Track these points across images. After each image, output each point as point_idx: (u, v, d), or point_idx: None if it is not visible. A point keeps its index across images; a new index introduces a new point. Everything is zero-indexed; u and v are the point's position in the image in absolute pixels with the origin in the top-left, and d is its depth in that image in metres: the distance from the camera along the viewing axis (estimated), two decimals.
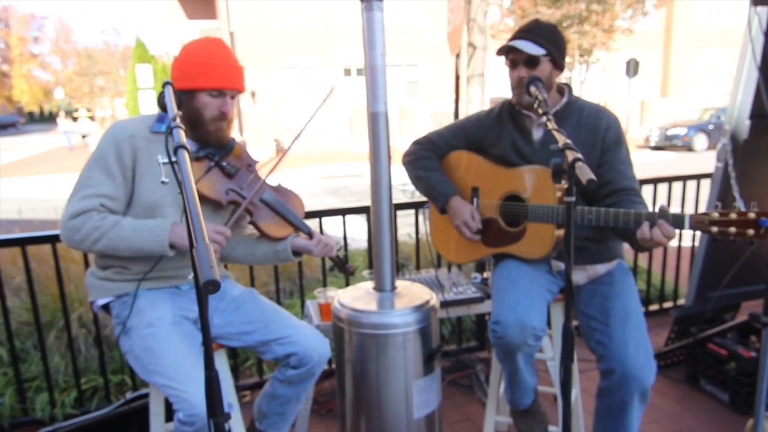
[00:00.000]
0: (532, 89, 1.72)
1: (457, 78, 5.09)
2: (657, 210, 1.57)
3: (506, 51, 1.89)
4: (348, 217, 2.90)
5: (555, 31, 1.88)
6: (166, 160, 1.53)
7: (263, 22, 20.19)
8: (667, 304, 3.73)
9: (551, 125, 1.45)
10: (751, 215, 1.45)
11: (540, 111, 1.60)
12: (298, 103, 20.92)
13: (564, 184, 1.25)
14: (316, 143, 19.72)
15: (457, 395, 2.85)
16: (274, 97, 20.54)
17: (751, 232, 1.45)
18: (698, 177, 3.57)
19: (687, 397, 2.75)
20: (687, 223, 1.52)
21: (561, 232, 1.82)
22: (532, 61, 1.86)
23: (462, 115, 6.33)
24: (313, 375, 1.90)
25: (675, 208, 3.47)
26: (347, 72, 21.70)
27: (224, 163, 1.84)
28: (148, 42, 20.21)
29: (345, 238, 2.90)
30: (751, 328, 2.79)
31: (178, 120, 1.10)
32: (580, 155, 1.22)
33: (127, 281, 1.77)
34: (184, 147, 0.98)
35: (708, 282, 3.20)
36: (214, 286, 0.73)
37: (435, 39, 20.02)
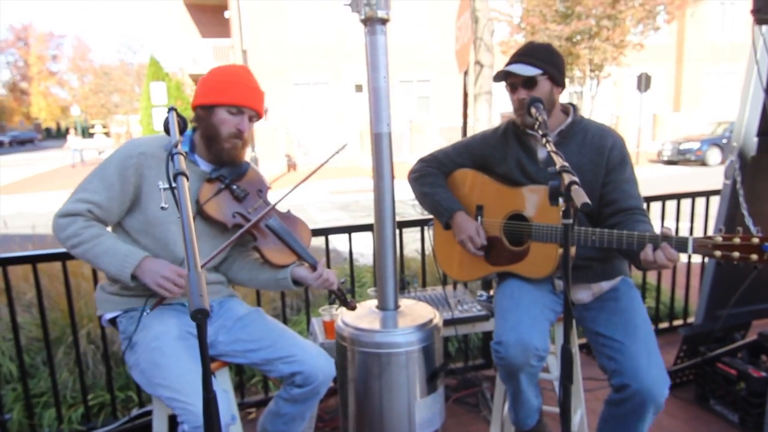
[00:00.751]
0: (533, 110, 1.74)
1: (465, 95, 5.13)
2: (660, 232, 1.57)
3: (502, 77, 1.93)
4: (358, 233, 2.91)
5: (549, 50, 1.92)
6: (167, 186, 1.58)
7: (276, 40, 20.46)
8: (677, 322, 3.69)
9: (550, 147, 1.46)
10: (755, 240, 1.44)
11: (540, 132, 1.61)
12: (309, 119, 21.10)
13: (561, 205, 1.25)
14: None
15: (462, 414, 2.83)
16: (285, 114, 20.73)
17: (754, 257, 1.44)
18: (707, 194, 3.55)
19: (696, 417, 2.71)
20: (690, 246, 1.51)
21: None
22: (529, 82, 1.88)
23: (470, 132, 6.36)
24: (318, 394, 1.91)
25: (684, 224, 3.48)
26: (359, 88, 21.86)
27: (234, 186, 1.87)
28: (162, 60, 20.52)
29: (351, 255, 2.92)
30: (762, 347, 2.75)
31: (179, 146, 1.12)
32: (576, 178, 1.23)
33: (135, 296, 1.81)
34: (183, 174, 1.00)
35: (717, 300, 3.17)
36: (203, 314, 0.74)
37: (446, 55, 20.14)
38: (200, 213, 1.83)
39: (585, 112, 19.13)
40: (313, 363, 1.87)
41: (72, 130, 26.97)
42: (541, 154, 1.96)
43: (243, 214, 1.88)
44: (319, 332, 2.51)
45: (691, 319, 3.65)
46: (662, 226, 3.11)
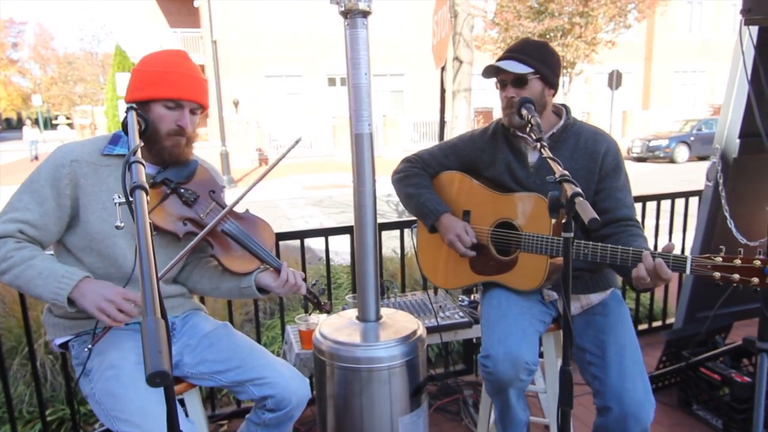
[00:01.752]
0: (524, 112, 1.64)
1: (443, 91, 5.05)
2: (662, 248, 1.48)
3: (492, 72, 1.82)
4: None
5: (544, 49, 1.81)
6: (122, 200, 1.39)
7: (247, 31, 20.07)
8: (657, 324, 3.67)
9: (546, 153, 1.37)
10: (757, 263, 1.36)
11: (533, 136, 1.51)
12: (282, 112, 20.79)
13: (562, 218, 1.16)
14: (300, 154, 19.59)
15: (444, 422, 2.74)
16: (257, 107, 20.38)
17: (755, 280, 1.37)
18: (686, 194, 3.53)
19: (680, 423, 2.67)
20: (688, 266, 1.43)
21: (555, 261, 1.73)
22: (519, 81, 1.78)
23: (448, 129, 6.30)
24: (291, 418, 1.77)
25: (663, 221, 3.45)
26: (332, 82, 21.64)
27: (182, 190, 1.69)
28: (129, 50, 19.87)
29: (327, 260, 2.79)
30: (744, 351, 2.73)
31: (138, 154, 0.97)
32: (579, 189, 1.13)
33: (86, 318, 1.61)
34: (142, 188, 0.86)
35: (698, 302, 3.15)
36: (162, 378, 0.59)
37: (421, 48, 20.07)
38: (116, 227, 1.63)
39: None
40: (285, 386, 1.71)
41: (28, 121, 25.79)
42: (532, 158, 1.86)
43: (195, 219, 1.70)
44: (295, 342, 2.38)
45: (670, 320, 3.64)
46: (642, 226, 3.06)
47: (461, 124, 5.12)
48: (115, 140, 1.65)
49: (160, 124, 1.62)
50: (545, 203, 1.71)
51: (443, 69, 4.75)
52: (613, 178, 1.79)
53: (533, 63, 1.76)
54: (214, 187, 1.78)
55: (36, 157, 22.62)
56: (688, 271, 1.42)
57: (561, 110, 1.90)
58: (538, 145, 1.44)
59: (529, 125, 1.57)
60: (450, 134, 5.31)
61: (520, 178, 1.86)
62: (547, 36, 15.83)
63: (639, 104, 25.43)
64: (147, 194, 0.86)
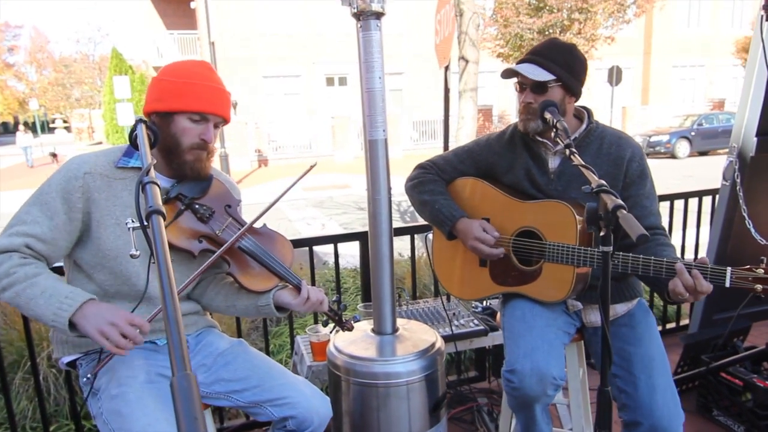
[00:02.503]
0: (547, 116, 1.56)
1: (447, 90, 4.96)
2: (696, 260, 1.41)
3: (511, 74, 1.73)
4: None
5: (570, 54, 1.71)
6: (136, 224, 1.26)
7: (244, 31, 19.95)
8: (671, 325, 3.61)
9: (577, 160, 1.29)
10: None
11: (560, 141, 1.44)
12: (280, 113, 20.69)
13: (600, 231, 1.08)
14: (299, 154, 19.50)
15: None
16: (255, 107, 20.28)
17: None
18: (700, 194, 3.46)
19: (700, 429, 2.60)
20: (728, 279, 1.35)
21: (582, 270, 1.65)
22: (539, 87, 1.69)
23: (454, 130, 6.21)
24: None
25: (677, 220, 3.38)
26: (330, 81, 21.53)
27: (197, 205, 1.60)
28: (125, 52, 19.77)
29: (337, 268, 2.72)
30: (764, 354, 2.66)
31: (152, 173, 0.89)
32: (621, 201, 1.06)
33: None
34: (159, 213, 0.78)
35: (714, 304, 3.08)
36: None
37: (420, 47, 19.98)
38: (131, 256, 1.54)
39: None
40: (307, 406, 1.63)
41: (21, 126, 25.46)
42: (553, 164, 1.78)
43: (210, 236, 1.61)
44: (306, 353, 2.31)
45: (684, 322, 3.57)
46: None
47: (468, 124, 5.03)
48: (129, 152, 1.57)
49: (183, 137, 1.55)
50: (570, 211, 1.64)
51: (447, 68, 4.65)
52: (639, 185, 1.72)
53: (556, 69, 1.67)
54: (230, 201, 1.70)
55: (29, 163, 22.25)
56: (727, 283, 1.35)
57: (583, 113, 1.81)
58: (567, 151, 1.36)
59: (555, 130, 1.50)
60: (457, 135, 5.23)
61: (540, 184, 1.78)
62: (546, 32, 15.77)
63: (638, 100, 25.36)
64: (165, 219, 0.78)
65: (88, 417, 2.60)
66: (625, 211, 1.04)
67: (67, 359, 1.61)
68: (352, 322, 1.88)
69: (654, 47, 25.00)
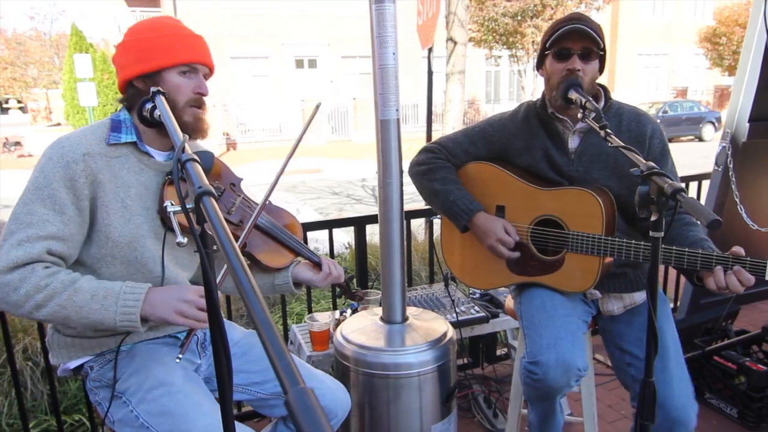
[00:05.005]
0: (573, 95, 1.49)
1: (430, 73, 4.88)
2: (731, 252, 1.36)
3: (567, 35, 1.59)
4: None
5: (601, 27, 1.64)
6: (177, 208, 1.08)
7: (210, 10, 19.36)
8: None
9: (616, 141, 1.23)
10: None
11: (590, 122, 1.37)
12: (248, 95, 20.24)
13: (652, 215, 1.03)
14: (268, 138, 19.16)
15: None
16: (223, 89, 19.78)
17: None
18: (687, 179, 3.48)
19: None
20: None
21: (607, 261, 1.60)
22: (587, 54, 1.60)
23: (441, 113, 6.11)
24: None
25: None
26: (299, 63, 21.15)
27: None
28: (85, 30, 18.91)
29: (332, 251, 2.63)
30: (754, 338, 2.70)
31: (188, 149, 0.78)
32: (682, 185, 1.00)
33: (110, 335, 1.40)
34: (210, 194, 0.68)
35: (702, 288, 3.12)
36: None
37: (399, 30, 19.74)
38: (170, 228, 1.41)
39: (527, 91, 19.39)
40: (333, 398, 1.54)
41: None
42: (572, 143, 1.70)
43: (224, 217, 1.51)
44: (304, 344, 2.23)
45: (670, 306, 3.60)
46: None
47: (455, 107, 4.96)
48: (117, 127, 1.41)
49: (178, 95, 1.40)
50: (596, 200, 1.57)
51: (430, 50, 4.56)
52: (662, 163, 1.66)
53: (601, 37, 1.60)
54: (234, 179, 1.61)
55: None
56: None
57: (599, 92, 1.74)
58: (603, 133, 1.30)
59: (583, 109, 1.43)
60: (444, 118, 5.15)
61: (560, 165, 1.70)
62: (519, 17, 15.79)
63: None
64: (217, 200, 0.69)
65: (68, 411, 2.48)
66: (685, 194, 0.98)
67: (73, 364, 1.44)
68: (359, 292, 1.85)
69: (620, 35, 25.39)
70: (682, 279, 3.43)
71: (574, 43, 1.59)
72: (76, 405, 2.52)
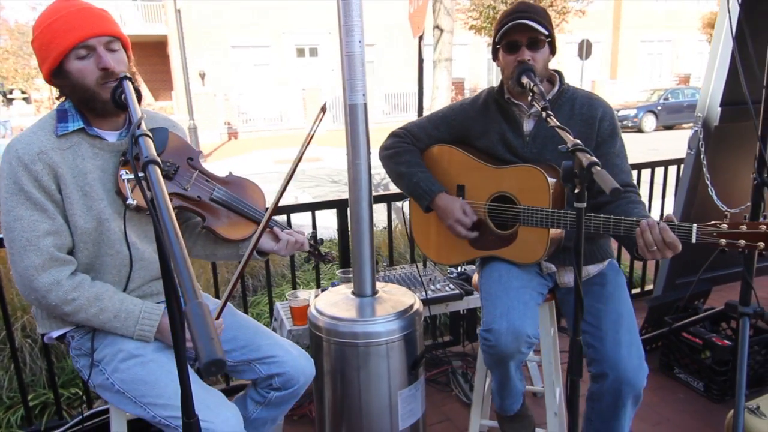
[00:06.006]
0: (524, 80, 1.60)
1: (421, 61, 4.96)
2: (663, 218, 1.48)
3: (512, 29, 1.70)
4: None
5: (548, 14, 1.75)
6: (131, 176, 1.21)
7: None
8: (636, 291, 3.75)
9: (553, 122, 1.34)
10: (763, 227, 1.37)
11: (537, 104, 1.48)
12: (249, 84, 20.31)
13: (576, 188, 1.14)
14: (270, 127, 19.25)
15: (434, 393, 2.76)
16: (224, 78, 19.86)
17: (761, 245, 1.38)
18: (666, 163, 3.57)
19: (662, 386, 2.75)
20: (694, 235, 1.43)
21: (555, 233, 1.72)
22: (534, 43, 1.70)
23: (428, 100, 6.23)
24: (295, 397, 1.73)
25: (643, 192, 3.49)
26: (300, 52, 21.18)
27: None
28: None
29: (315, 234, 2.74)
30: (724, 315, 2.81)
31: (143, 125, 0.90)
32: (595, 159, 1.11)
33: None
34: (155, 162, 0.79)
35: (678, 269, 3.22)
36: (218, 366, 0.55)
37: (393, 19, 19.75)
38: (127, 206, 1.48)
39: None
40: (294, 364, 1.67)
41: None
42: (527, 126, 1.82)
43: (180, 193, 1.58)
44: (286, 319, 2.35)
45: (649, 287, 3.72)
46: None
47: (442, 94, 5.05)
48: (62, 117, 1.46)
49: (85, 79, 1.40)
50: (542, 175, 1.69)
51: (421, 38, 4.64)
52: (610, 144, 1.77)
53: (546, 25, 1.70)
54: (191, 153, 1.64)
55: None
56: (693, 239, 1.43)
57: (554, 76, 1.85)
58: (543, 114, 1.40)
59: (531, 93, 1.54)
60: (431, 105, 5.24)
61: (515, 147, 1.82)
62: None
63: (607, 74, 25.69)
64: (161, 169, 0.80)
65: (66, 385, 2.62)
66: (599, 168, 1.09)
67: (55, 333, 1.56)
68: (332, 285, 1.91)
69: (623, 21, 25.26)
70: (663, 261, 3.53)
71: (521, 35, 1.70)
72: (74, 380, 2.65)
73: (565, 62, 22.41)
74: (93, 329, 1.51)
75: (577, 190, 1.13)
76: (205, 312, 0.58)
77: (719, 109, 2.89)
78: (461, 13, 16.55)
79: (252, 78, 20.46)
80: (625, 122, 17.98)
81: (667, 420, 2.48)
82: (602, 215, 1.57)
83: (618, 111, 18.32)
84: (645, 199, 3.50)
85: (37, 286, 1.38)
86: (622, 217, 1.54)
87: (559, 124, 1.31)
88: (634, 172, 3.46)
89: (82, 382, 2.54)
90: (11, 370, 2.51)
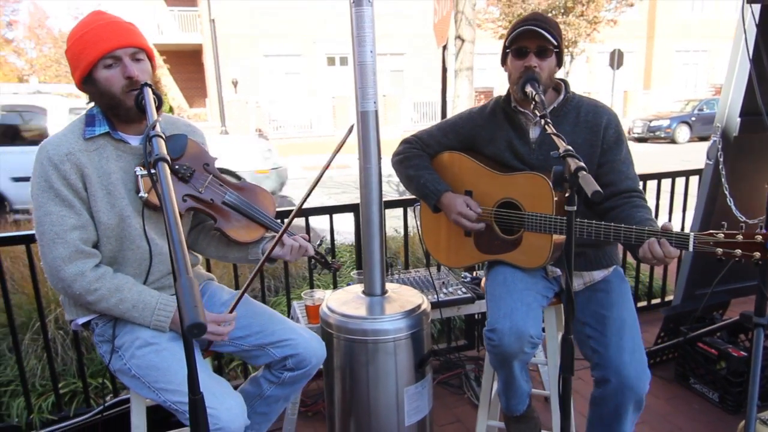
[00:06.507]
0: (528, 89, 1.66)
1: (444, 70, 5.05)
2: (661, 227, 1.51)
3: (522, 35, 1.76)
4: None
5: (558, 26, 1.81)
6: (144, 172, 1.33)
7: (244, 9, 19.85)
8: (656, 301, 3.73)
9: (550, 129, 1.39)
10: (758, 238, 1.39)
11: (537, 113, 1.54)
12: (281, 92, 20.67)
13: (566, 192, 1.19)
14: (300, 134, 19.53)
15: (446, 396, 2.81)
16: (256, 86, 20.26)
17: (757, 254, 1.40)
18: (687, 173, 3.55)
19: (677, 396, 2.74)
20: (691, 243, 1.46)
21: (558, 238, 1.76)
22: (543, 52, 1.76)
23: (450, 109, 6.29)
24: (308, 377, 1.83)
25: (663, 202, 3.48)
26: (331, 61, 21.47)
27: (176, 166, 1.67)
28: None
29: (332, 237, 2.83)
30: (742, 327, 2.79)
31: (158, 127, 1.00)
32: (582, 164, 1.16)
33: None
34: (164, 160, 0.89)
35: (697, 279, 3.20)
36: (199, 329, 0.65)
37: (422, 28, 19.87)
38: (146, 205, 1.61)
39: None
40: (307, 346, 1.78)
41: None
42: (534, 134, 1.87)
43: (194, 195, 1.70)
44: (302, 317, 2.43)
45: (669, 298, 3.69)
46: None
47: (463, 103, 5.11)
48: (90, 121, 1.60)
49: (112, 87, 1.54)
50: (546, 183, 1.73)
51: (444, 48, 4.72)
52: (615, 151, 1.81)
53: (556, 36, 1.76)
54: (208, 159, 1.77)
55: None
56: (690, 248, 1.46)
57: (560, 85, 1.90)
58: (542, 121, 1.46)
59: (533, 102, 1.59)
60: (452, 114, 5.30)
61: (522, 154, 1.87)
62: (549, 13, 15.70)
63: (640, 84, 25.29)
64: (169, 165, 0.89)
65: (94, 375, 2.75)
66: (585, 172, 1.14)
67: (81, 320, 1.69)
68: (335, 263, 2.01)
69: (657, 31, 24.87)
70: (672, 268, 3.50)
71: (531, 42, 1.76)
72: (101, 371, 2.79)
73: (596, 72, 22.18)
74: (115, 318, 1.63)
75: (567, 194, 1.18)
76: (193, 285, 0.68)
77: (738, 119, 2.88)
78: (491, 23, 16.57)
79: (283, 86, 20.82)
80: (657, 133, 17.69)
81: (679, 429, 2.48)
82: (603, 223, 1.61)
83: (650, 122, 18.04)
84: (665, 208, 3.53)
85: (64, 276, 1.51)
86: (622, 226, 1.57)
87: (556, 132, 1.37)
88: (654, 182, 3.46)
89: (109, 373, 2.67)
90: (44, 360, 2.65)
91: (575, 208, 1.19)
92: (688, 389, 2.77)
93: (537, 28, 1.73)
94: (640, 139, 18.25)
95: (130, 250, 1.63)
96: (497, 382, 1.96)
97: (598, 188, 1.10)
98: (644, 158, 13.78)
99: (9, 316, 2.45)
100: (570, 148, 1.23)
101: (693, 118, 17.71)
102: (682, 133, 17.65)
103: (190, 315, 0.63)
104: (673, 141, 17.54)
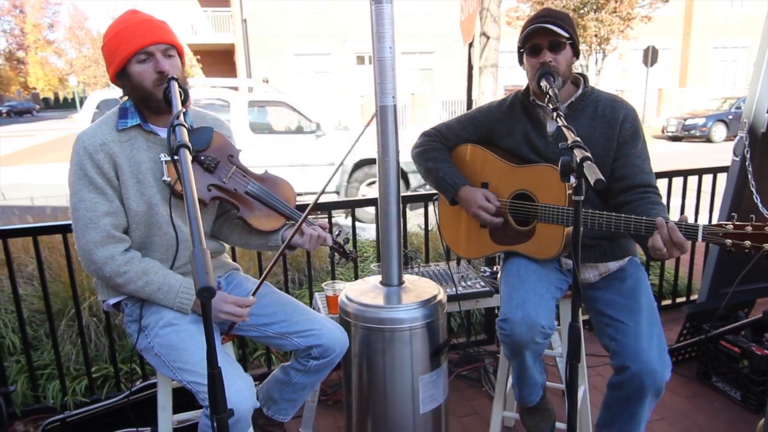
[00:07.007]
0: (543, 83, 1.69)
1: (470, 68, 5.06)
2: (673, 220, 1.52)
3: (533, 33, 1.80)
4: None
5: (570, 18, 1.84)
6: (168, 158, 1.43)
7: (276, 9, 20.13)
8: (680, 299, 3.68)
9: (561, 122, 1.42)
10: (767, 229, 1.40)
11: (551, 106, 1.56)
12: (310, 90, 20.87)
13: (573, 182, 1.22)
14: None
15: (465, 389, 2.84)
16: (286, 85, 20.49)
17: (766, 246, 1.40)
18: (714, 170, 3.50)
19: (698, 394, 2.71)
20: (700, 234, 1.46)
21: (570, 230, 1.78)
22: (556, 46, 1.79)
23: (475, 106, 6.30)
24: (332, 365, 1.91)
25: (690, 200, 3.44)
26: (360, 60, 21.59)
27: (202, 157, 1.75)
28: None
29: (354, 230, 2.89)
30: (765, 325, 2.75)
31: (181, 117, 1.08)
32: (589, 154, 1.19)
33: None
34: (185, 146, 0.96)
35: (722, 278, 3.15)
36: (209, 292, 0.71)
37: (451, 27, 19.83)
38: (173, 194, 1.69)
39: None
40: (331, 336, 1.85)
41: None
42: (551, 127, 1.90)
43: (218, 185, 1.78)
44: (322, 307, 2.50)
45: (694, 297, 3.64)
46: (668, 202, 3.05)
47: (487, 100, 5.10)
48: (123, 114, 1.70)
49: (144, 81, 1.64)
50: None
51: (471, 45, 4.74)
52: (631, 145, 1.82)
53: (567, 29, 1.78)
54: (232, 151, 1.85)
55: None
56: (700, 239, 1.46)
57: (579, 79, 1.92)
58: (554, 114, 1.49)
59: (548, 96, 1.62)
60: None
61: (539, 147, 1.90)
62: (581, 11, 15.51)
63: (675, 82, 24.71)
64: (191, 152, 0.96)
65: (125, 361, 2.87)
66: (590, 162, 1.17)
67: (112, 301, 1.79)
68: (353, 253, 2.07)
69: (694, 27, 24.26)
70: (697, 266, 3.45)
71: (542, 39, 1.79)
72: (132, 356, 2.91)
73: (630, 69, 21.76)
74: (142, 300, 1.72)
75: (575, 184, 1.21)
76: (205, 255, 0.75)
77: (766, 115, 2.83)
78: (521, 20, 16.42)
79: (313, 84, 21.03)
80: (692, 132, 17.26)
81: (699, 427, 2.46)
82: (614, 214, 1.63)
83: (685, 120, 17.61)
84: (692, 206, 3.48)
85: (95, 259, 1.61)
86: (633, 216, 1.59)
87: (565, 123, 1.40)
88: (680, 179, 3.42)
89: (140, 359, 2.79)
90: (78, 345, 2.79)
91: (582, 197, 1.22)
92: (710, 387, 2.75)
93: (546, 25, 1.76)
94: (674, 138, 17.85)
95: (158, 236, 1.73)
96: (512, 373, 1.98)
97: (601, 176, 1.12)
98: (677, 157, 13.48)
99: (46, 303, 2.58)
100: (578, 139, 1.26)
101: (730, 117, 17.22)
102: (719, 131, 17.19)
103: (201, 279, 0.70)
104: (708, 140, 17.10)
